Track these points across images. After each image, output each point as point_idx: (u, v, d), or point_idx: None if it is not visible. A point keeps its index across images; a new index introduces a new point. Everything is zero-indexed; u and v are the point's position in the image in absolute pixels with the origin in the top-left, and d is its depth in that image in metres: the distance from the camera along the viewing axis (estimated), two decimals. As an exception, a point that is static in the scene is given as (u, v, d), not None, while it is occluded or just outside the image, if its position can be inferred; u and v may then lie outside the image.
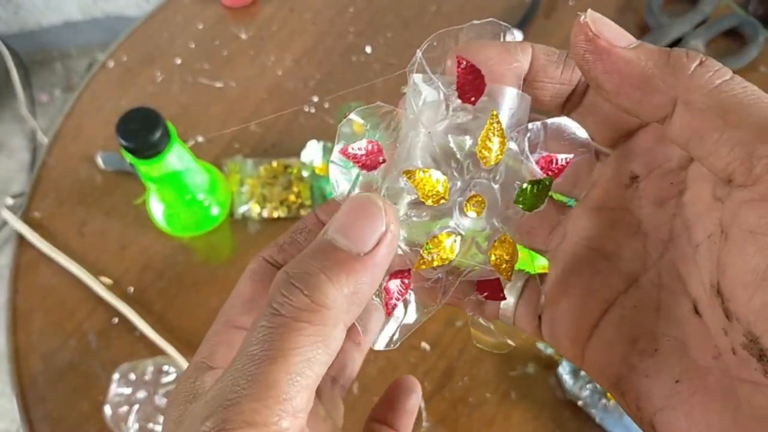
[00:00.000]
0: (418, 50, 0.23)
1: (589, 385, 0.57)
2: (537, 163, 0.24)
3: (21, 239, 0.67)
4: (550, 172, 0.25)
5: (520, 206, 0.24)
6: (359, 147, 0.23)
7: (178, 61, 0.77)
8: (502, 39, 0.24)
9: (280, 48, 0.77)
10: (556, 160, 0.25)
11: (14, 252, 0.67)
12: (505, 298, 0.26)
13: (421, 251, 0.23)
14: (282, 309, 0.20)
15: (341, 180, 0.23)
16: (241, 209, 0.67)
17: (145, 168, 0.57)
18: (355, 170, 0.23)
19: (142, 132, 0.53)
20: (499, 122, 0.23)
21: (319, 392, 0.29)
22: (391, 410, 0.32)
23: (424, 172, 0.23)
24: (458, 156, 0.23)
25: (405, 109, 0.24)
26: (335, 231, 0.21)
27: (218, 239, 0.67)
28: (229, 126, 0.72)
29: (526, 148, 0.24)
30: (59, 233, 0.67)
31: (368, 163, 0.23)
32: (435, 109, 0.23)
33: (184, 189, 0.62)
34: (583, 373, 0.58)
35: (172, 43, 0.78)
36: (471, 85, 0.23)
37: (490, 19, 0.24)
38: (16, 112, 1.71)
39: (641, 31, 0.75)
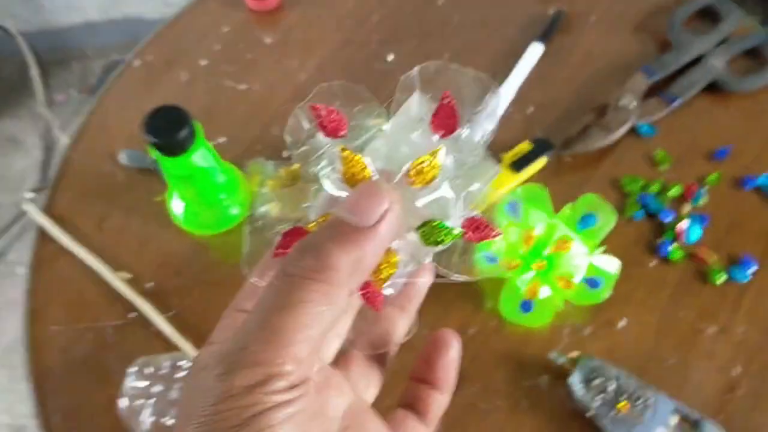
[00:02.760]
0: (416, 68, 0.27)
1: (599, 396, 0.57)
2: (465, 220, 0.27)
3: (42, 232, 0.68)
4: (471, 232, 0.27)
5: (418, 236, 0.26)
6: (322, 109, 0.26)
7: (203, 63, 0.78)
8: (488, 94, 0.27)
9: (303, 53, 0.78)
10: (482, 226, 0.27)
11: (34, 245, 0.67)
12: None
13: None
14: (293, 269, 0.22)
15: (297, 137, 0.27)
16: (261, 210, 0.67)
17: (169, 165, 0.57)
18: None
19: (170, 129, 0.54)
20: (437, 164, 0.25)
21: (349, 362, 0.31)
22: (429, 368, 0.31)
23: (353, 155, 0.25)
24: (397, 166, 0.26)
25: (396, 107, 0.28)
26: (343, 209, 0.23)
27: (236, 239, 0.67)
28: (252, 128, 0.73)
29: (463, 197, 0.27)
30: (79, 228, 0.68)
31: (329, 128, 0.26)
32: (413, 121, 0.27)
33: (206, 188, 0.63)
34: (594, 383, 0.58)
35: (197, 44, 0.79)
36: (444, 123, 0.26)
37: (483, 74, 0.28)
38: (33, 110, 1.72)
39: (662, 47, 0.75)
